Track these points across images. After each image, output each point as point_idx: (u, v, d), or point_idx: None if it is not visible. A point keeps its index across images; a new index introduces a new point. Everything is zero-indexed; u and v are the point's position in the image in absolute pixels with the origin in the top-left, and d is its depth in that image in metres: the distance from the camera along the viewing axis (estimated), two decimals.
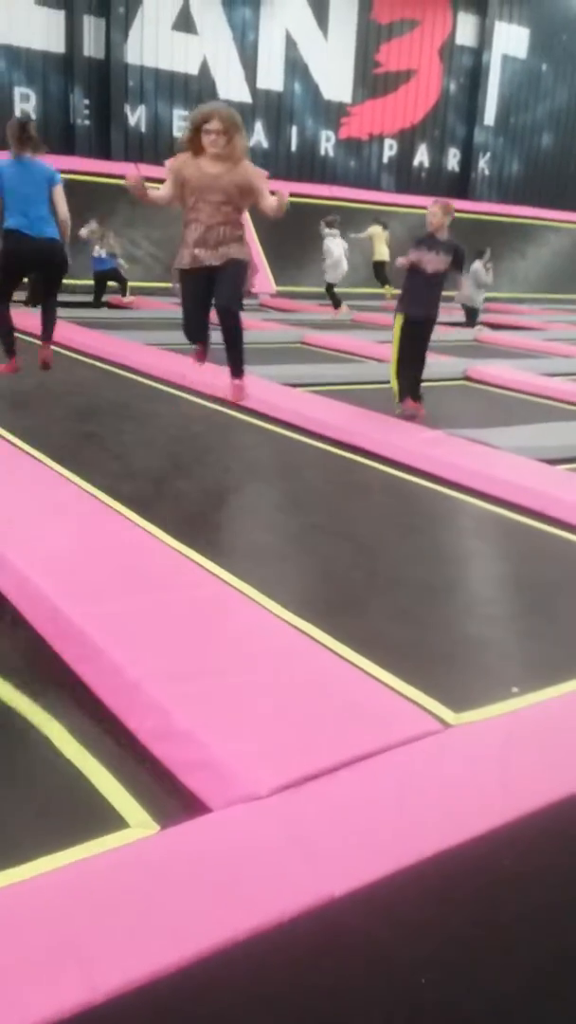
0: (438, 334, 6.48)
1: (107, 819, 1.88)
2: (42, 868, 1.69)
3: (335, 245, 12.19)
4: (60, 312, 10.47)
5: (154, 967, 1.40)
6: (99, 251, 11.86)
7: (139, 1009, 1.37)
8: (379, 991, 1.48)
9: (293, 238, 13.61)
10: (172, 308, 11.92)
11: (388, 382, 6.11)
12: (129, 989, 1.38)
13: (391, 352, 6.03)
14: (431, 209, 5.85)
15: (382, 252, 14.03)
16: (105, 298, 12.47)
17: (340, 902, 1.56)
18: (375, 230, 14.05)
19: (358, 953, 1.53)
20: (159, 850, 1.72)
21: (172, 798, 1.94)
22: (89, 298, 12.05)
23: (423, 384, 6.18)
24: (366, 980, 1.49)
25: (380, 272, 14.19)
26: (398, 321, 5.95)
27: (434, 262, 5.72)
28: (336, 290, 12.58)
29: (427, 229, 5.83)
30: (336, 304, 12.65)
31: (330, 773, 1.90)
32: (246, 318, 11.38)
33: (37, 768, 2.08)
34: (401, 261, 5.91)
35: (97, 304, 12.25)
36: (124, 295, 12.43)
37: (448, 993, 1.49)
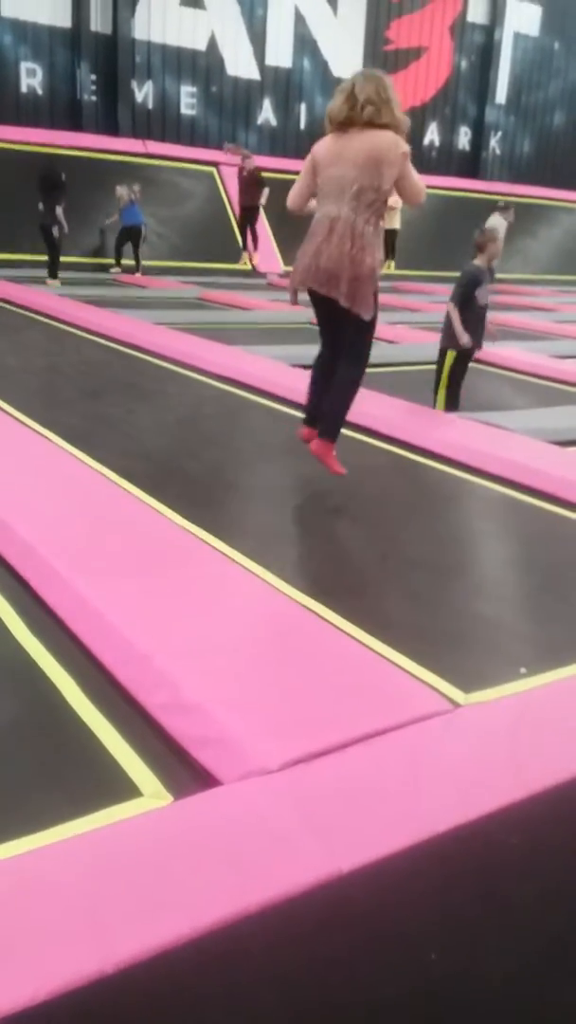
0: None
1: (122, 788, 1.90)
2: (59, 836, 1.71)
3: None
4: (68, 290, 10.50)
5: (166, 938, 1.41)
6: (130, 199, 12.31)
7: (151, 979, 1.38)
8: (387, 966, 1.50)
9: (301, 217, 13.53)
10: (180, 287, 11.94)
11: (398, 364, 6.08)
12: (142, 959, 1.39)
13: (438, 391, 5.64)
14: (498, 242, 5.48)
15: (393, 220, 13.70)
16: (114, 271, 12.50)
17: (349, 877, 1.58)
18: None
19: (366, 928, 1.55)
20: (172, 822, 1.74)
21: (185, 769, 1.96)
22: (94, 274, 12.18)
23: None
24: (374, 955, 1.51)
25: (389, 243, 14.01)
26: (450, 358, 5.42)
27: (486, 293, 5.43)
28: None
29: (488, 260, 5.54)
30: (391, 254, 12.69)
31: (340, 749, 1.91)
32: (254, 297, 11.37)
33: (56, 734, 2.10)
34: (492, 328, 5.50)
35: (119, 262, 12.67)
36: (137, 268, 12.67)
37: (456, 969, 1.50)
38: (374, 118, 3.12)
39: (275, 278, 13.35)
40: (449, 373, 5.55)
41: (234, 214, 14.60)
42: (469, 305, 5.37)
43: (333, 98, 3.25)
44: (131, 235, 12.58)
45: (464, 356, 5.53)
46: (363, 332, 3.35)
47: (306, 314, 9.99)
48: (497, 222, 12.02)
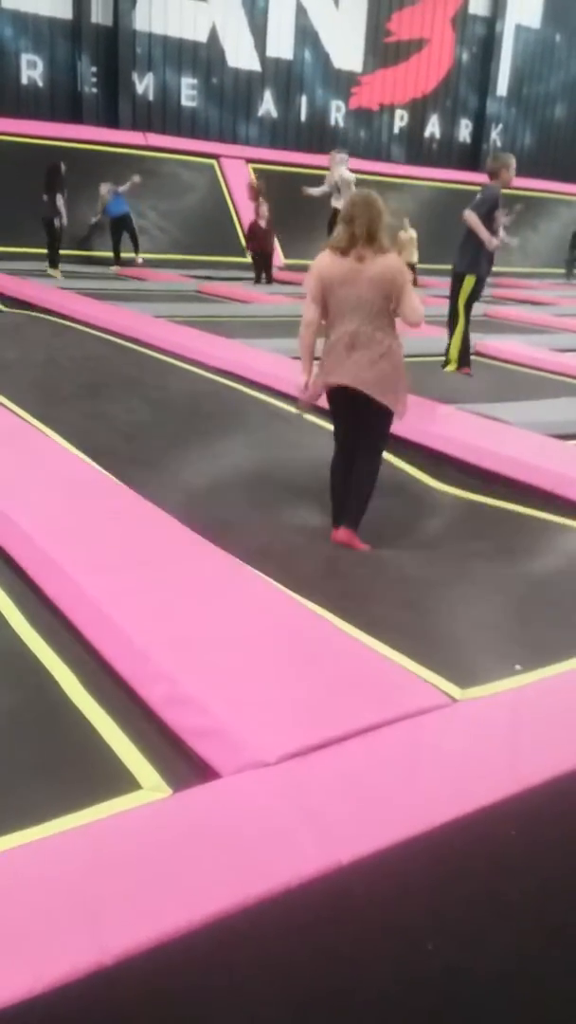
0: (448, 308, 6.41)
1: (121, 780, 1.90)
2: (58, 828, 1.71)
3: (348, 174, 11.63)
4: (69, 283, 10.48)
5: (164, 930, 1.42)
6: (115, 192, 12.27)
7: (149, 971, 1.39)
8: (385, 958, 1.51)
9: (302, 210, 13.47)
10: (180, 280, 11.92)
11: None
12: (139, 951, 1.40)
13: (456, 317, 5.57)
14: (511, 169, 5.47)
15: (412, 254, 13.34)
16: (114, 269, 12.46)
17: (347, 869, 1.58)
18: (406, 236, 13.31)
19: (364, 920, 1.55)
20: (171, 814, 1.75)
21: (183, 762, 1.97)
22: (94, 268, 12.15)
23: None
24: (372, 946, 1.52)
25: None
26: (469, 283, 5.42)
27: (501, 217, 5.51)
28: None
29: (502, 186, 5.54)
30: None
31: (338, 743, 1.92)
32: (254, 290, 11.34)
33: (55, 726, 2.11)
34: (498, 243, 5.50)
35: (118, 257, 12.58)
36: (136, 253, 12.68)
37: (453, 960, 1.51)
38: (371, 235, 3.37)
39: (275, 271, 13.32)
40: (467, 302, 5.47)
41: (235, 209, 14.56)
42: (488, 226, 5.37)
43: (351, 219, 3.39)
44: (121, 225, 12.61)
45: (480, 283, 5.51)
46: (387, 428, 3.56)
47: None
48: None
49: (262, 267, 12.52)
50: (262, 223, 12.11)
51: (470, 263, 5.46)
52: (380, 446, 3.58)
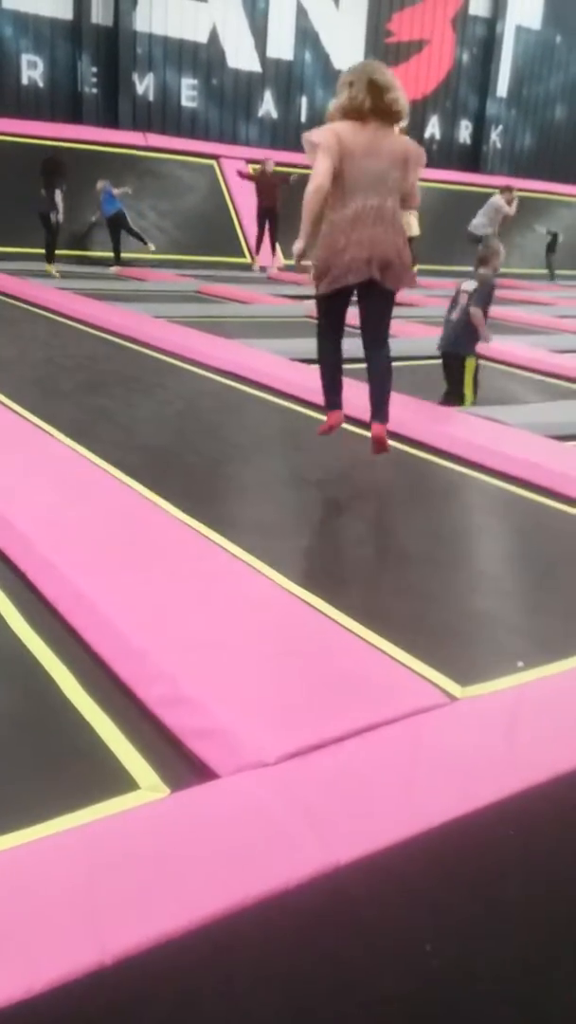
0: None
1: (119, 780, 1.90)
2: (55, 829, 1.71)
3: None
4: (69, 283, 10.48)
5: (163, 930, 1.42)
6: (108, 190, 12.24)
7: (148, 972, 1.39)
8: (384, 959, 1.50)
9: (300, 210, 13.48)
10: (178, 280, 11.92)
11: (396, 359, 6.03)
12: (138, 952, 1.40)
13: (462, 394, 5.64)
14: (500, 256, 5.59)
15: (413, 227, 13.32)
16: (114, 270, 12.46)
17: (346, 870, 1.58)
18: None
19: (363, 921, 1.55)
20: (169, 815, 1.74)
21: (182, 762, 1.96)
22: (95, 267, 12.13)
23: None
24: (371, 947, 1.51)
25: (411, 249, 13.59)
26: (471, 365, 5.47)
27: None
28: None
29: (493, 272, 5.58)
30: None
31: (337, 742, 1.91)
32: (255, 291, 11.36)
33: (53, 726, 2.10)
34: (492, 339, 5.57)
35: (118, 257, 12.56)
36: (145, 243, 12.77)
37: (453, 961, 1.51)
38: (401, 108, 3.23)
39: (275, 272, 13.33)
40: (475, 377, 5.52)
41: (235, 210, 14.57)
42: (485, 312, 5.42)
43: (348, 87, 3.21)
44: (117, 223, 12.58)
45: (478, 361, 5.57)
46: (391, 310, 3.48)
47: (305, 308, 10.00)
48: (498, 202, 12.03)
49: (268, 221, 12.74)
50: (270, 174, 12.50)
51: (472, 345, 5.54)
52: (388, 330, 3.52)
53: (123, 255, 12.77)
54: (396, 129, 3.29)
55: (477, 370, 5.58)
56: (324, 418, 4.23)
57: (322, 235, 3.26)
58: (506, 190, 12.42)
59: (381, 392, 3.40)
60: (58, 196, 10.90)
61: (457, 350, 5.51)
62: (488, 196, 13.13)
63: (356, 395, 4.21)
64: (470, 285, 5.46)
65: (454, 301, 5.53)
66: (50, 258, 11.22)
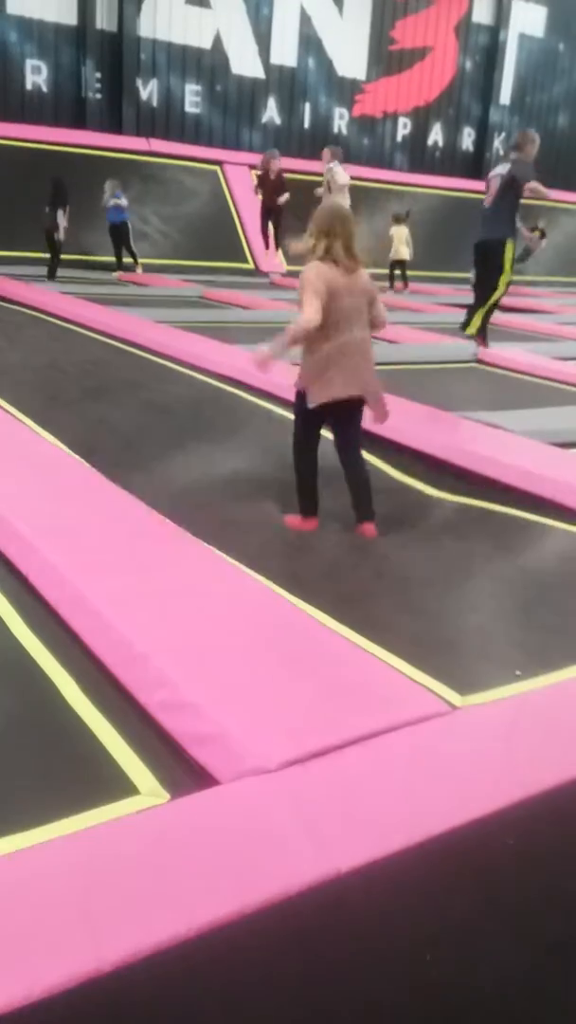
0: (452, 315, 6.43)
1: (119, 786, 1.90)
2: (55, 833, 1.71)
3: (342, 173, 11.56)
4: (72, 287, 10.49)
5: (162, 937, 1.41)
6: (113, 201, 12.17)
7: (146, 979, 1.38)
8: (384, 967, 1.50)
9: (304, 216, 13.51)
10: (181, 285, 11.93)
11: (397, 363, 6.06)
12: (136, 959, 1.39)
13: (491, 286, 5.63)
14: (535, 143, 5.71)
15: (401, 252, 13.06)
16: (116, 275, 12.49)
17: (346, 878, 1.58)
18: (397, 231, 13.10)
19: (362, 929, 1.55)
20: (168, 821, 1.74)
21: (182, 767, 1.96)
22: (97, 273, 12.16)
23: None
24: (370, 955, 1.51)
25: (402, 272, 13.39)
26: (511, 247, 5.57)
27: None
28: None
29: (527, 155, 5.67)
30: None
31: (338, 750, 1.91)
32: (256, 296, 11.36)
33: (53, 731, 2.10)
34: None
35: (120, 263, 12.56)
36: (135, 263, 12.72)
37: (453, 970, 1.50)
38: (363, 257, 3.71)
39: (278, 277, 13.35)
40: (512, 266, 5.64)
41: (238, 215, 14.60)
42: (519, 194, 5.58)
43: (324, 237, 3.63)
44: (120, 234, 12.53)
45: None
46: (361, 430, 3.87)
47: None
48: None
49: (271, 220, 12.77)
50: (271, 175, 12.44)
51: (510, 229, 5.62)
52: (360, 443, 3.87)
53: (124, 261, 12.80)
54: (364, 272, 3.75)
55: (514, 255, 5.66)
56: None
57: (311, 365, 3.65)
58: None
59: (367, 497, 3.74)
60: (60, 216, 10.92)
61: (491, 236, 5.58)
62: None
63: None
64: (503, 168, 5.55)
65: (487, 189, 5.64)
66: (51, 275, 11.23)
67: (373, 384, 3.70)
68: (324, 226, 3.66)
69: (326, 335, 3.56)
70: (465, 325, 6.42)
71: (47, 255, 11.30)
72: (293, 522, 3.73)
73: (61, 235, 11.08)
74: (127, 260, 12.78)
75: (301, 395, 3.70)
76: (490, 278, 5.64)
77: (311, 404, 3.65)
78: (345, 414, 3.70)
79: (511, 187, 5.79)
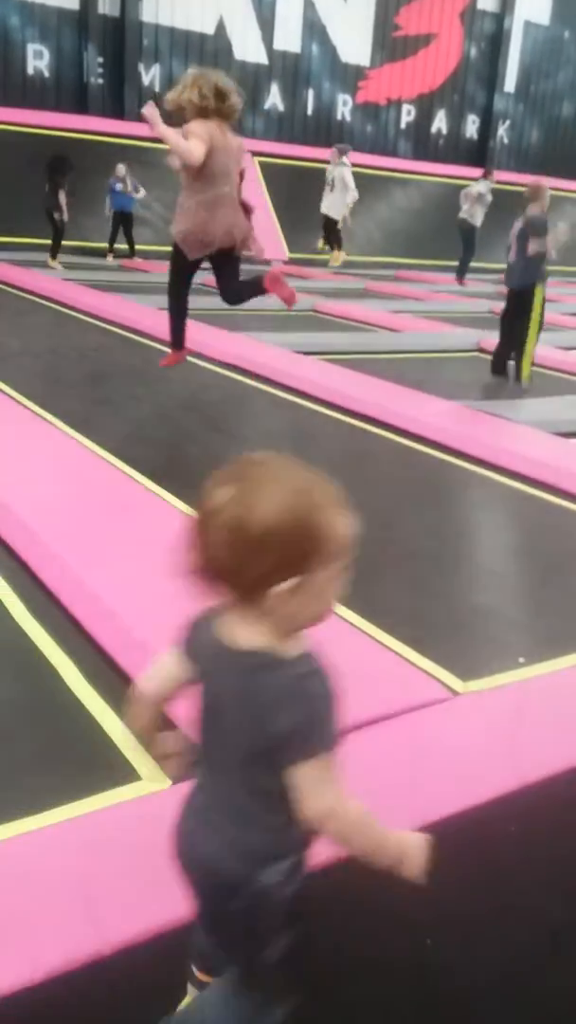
0: (454, 304, 6.42)
1: (120, 771, 1.90)
2: (57, 818, 1.71)
3: (349, 175, 11.51)
4: (72, 274, 10.46)
5: (163, 920, 1.42)
6: (123, 186, 12.10)
7: (147, 961, 1.39)
8: (384, 952, 1.50)
9: (306, 204, 13.44)
10: None
11: (400, 352, 6.05)
12: (138, 942, 1.40)
13: (526, 330, 5.77)
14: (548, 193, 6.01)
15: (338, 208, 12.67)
16: (109, 259, 12.43)
17: (347, 862, 1.58)
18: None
19: (364, 913, 1.55)
20: (170, 805, 1.73)
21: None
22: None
23: None
24: (371, 940, 1.51)
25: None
26: (540, 294, 5.74)
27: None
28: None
29: (542, 208, 5.87)
30: (339, 245, 12.21)
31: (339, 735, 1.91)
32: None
33: (55, 717, 2.11)
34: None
35: (132, 249, 12.54)
36: (132, 254, 12.64)
37: (452, 955, 1.51)
38: (237, 111, 4.30)
39: (279, 265, 13.30)
40: (542, 310, 5.79)
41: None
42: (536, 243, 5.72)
43: (195, 88, 4.20)
44: (121, 220, 12.49)
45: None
46: (239, 266, 4.56)
47: (310, 301, 9.99)
48: (483, 187, 12.03)
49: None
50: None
51: (538, 274, 5.77)
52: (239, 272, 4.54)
53: (117, 246, 12.72)
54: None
55: (544, 303, 5.75)
56: (328, 413, 4.29)
57: (188, 211, 4.29)
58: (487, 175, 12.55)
59: (252, 289, 4.49)
60: (61, 196, 10.87)
61: (521, 282, 5.72)
62: (494, 192, 13.07)
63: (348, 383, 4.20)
64: (519, 223, 5.71)
65: (510, 246, 5.89)
66: (54, 254, 11.21)
67: (242, 228, 4.32)
68: (208, 89, 4.18)
69: (204, 185, 4.18)
70: (499, 369, 6.39)
71: (49, 239, 11.26)
72: (168, 360, 4.64)
73: (65, 216, 11.00)
74: (120, 246, 12.68)
75: (175, 245, 4.35)
76: (522, 324, 5.77)
77: (191, 257, 4.32)
78: (223, 257, 4.37)
79: (526, 239, 5.92)
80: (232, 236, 4.33)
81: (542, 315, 5.88)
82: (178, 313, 4.65)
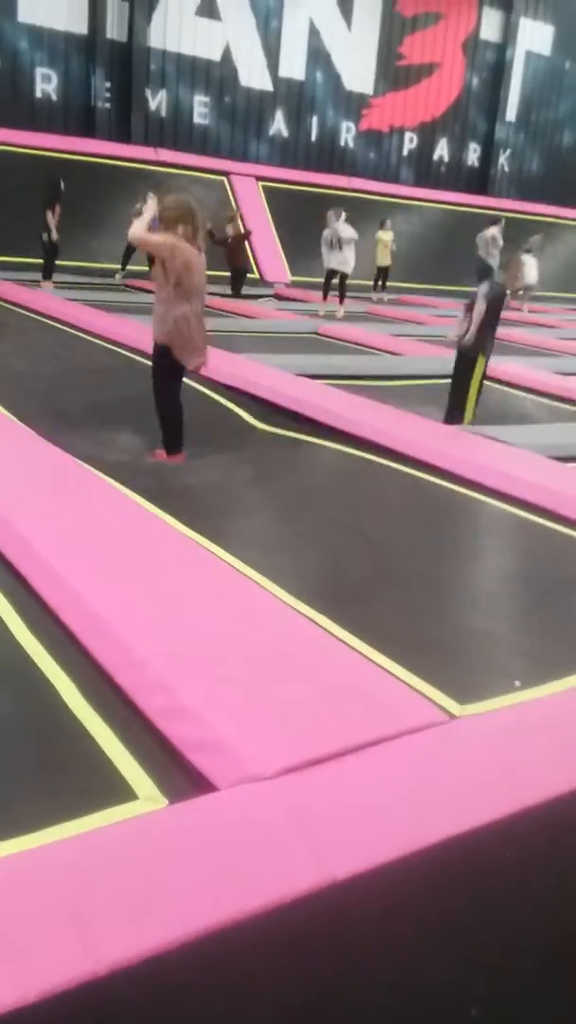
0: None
1: (117, 790, 1.90)
2: (52, 837, 1.71)
3: (350, 229, 11.70)
4: (75, 294, 10.50)
5: (158, 942, 1.41)
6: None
7: (140, 982, 1.38)
8: (378, 974, 1.50)
9: (309, 228, 13.55)
10: None
11: (402, 377, 6.09)
12: (132, 963, 1.39)
13: (469, 391, 5.84)
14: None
15: (387, 257, 13.57)
16: (118, 276, 12.47)
17: (342, 885, 1.58)
18: (382, 235, 13.55)
19: (358, 935, 1.55)
20: (166, 826, 1.74)
21: (181, 773, 1.96)
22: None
23: None
24: (365, 962, 1.51)
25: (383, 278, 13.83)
26: (481, 363, 5.80)
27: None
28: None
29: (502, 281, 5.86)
30: (342, 299, 12.42)
31: (336, 758, 1.91)
32: (260, 306, 11.36)
33: (51, 734, 2.11)
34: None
35: (124, 267, 12.44)
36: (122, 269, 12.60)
37: (448, 978, 1.50)
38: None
39: (282, 288, 13.40)
40: (483, 378, 5.76)
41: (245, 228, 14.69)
42: (493, 316, 5.71)
43: (185, 223, 4.28)
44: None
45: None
46: None
47: (312, 324, 10.06)
48: (495, 231, 12.24)
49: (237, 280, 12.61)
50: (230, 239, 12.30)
51: (482, 344, 5.79)
52: None
53: (129, 267, 12.78)
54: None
55: (484, 375, 5.76)
56: (322, 443, 4.29)
57: (177, 327, 4.34)
58: (497, 222, 12.83)
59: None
60: (49, 217, 10.93)
61: (466, 349, 5.76)
62: (495, 219, 13.20)
63: (349, 407, 4.23)
64: (479, 291, 5.75)
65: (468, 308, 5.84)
66: (46, 275, 11.22)
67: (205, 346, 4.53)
68: (185, 214, 4.31)
69: (185, 299, 4.29)
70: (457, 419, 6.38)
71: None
72: (175, 459, 4.45)
73: (54, 235, 11.00)
74: (131, 268, 12.75)
75: (167, 352, 4.37)
76: (459, 395, 5.80)
77: (189, 367, 4.45)
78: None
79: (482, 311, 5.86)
80: (205, 355, 4.54)
81: (481, 383, 5.88)
82: (179, 420, 4.51)
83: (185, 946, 1.42)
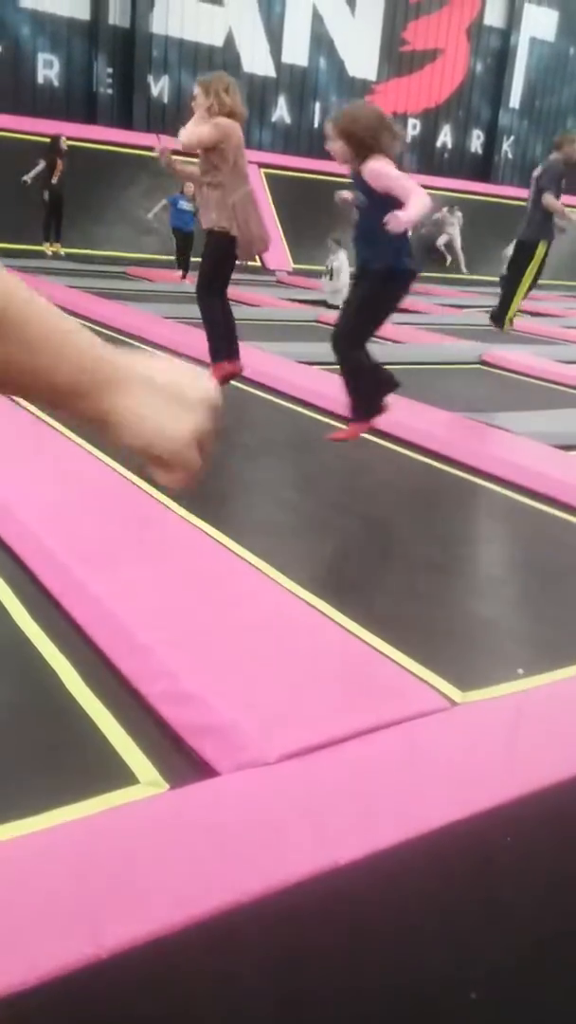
0: (456, 317, 6.44)
1: (118, 775, 1.90)
2: (53, 821, 1.71)
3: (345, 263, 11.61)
4: (77, 281, 10.49)
5: (160, 926, 1.41)
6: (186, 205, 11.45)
7: (144, 967, 1.38)
8: (380, 959, 1.50)
9: (311, 215, 13.51)
10: (190, 281, 11.91)
11: (403, 363, 6.07)
12: (135, 946, 1.39)
13: (518, 283, 5.80)
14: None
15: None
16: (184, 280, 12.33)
17: (344, 870, 1.58)
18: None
19: (360, 921, 1.55)
20: (167, 810, 1.74)
21: (182, 758, 1.96)
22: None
23: None
24: (367, 947, 1.51)
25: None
26: (541, 250, 5.80)
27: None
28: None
29: (564, 159, 5.78)
30: None
31: (338, 743, 1.91)
32: (263, 294, 11.37)
33: (53, 719, 2.11)
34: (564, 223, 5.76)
35: (184, 274, 11.82)
36: (184, 274, 11.99)
37: (449, 963, 1.51)
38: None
39: (284, 275, 13.36)
40: (539, 266, 5.74)
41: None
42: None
43: (226, 93, 4.33)
44: (179, 239, 11.96)
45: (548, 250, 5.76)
46: None
47: (314, 311, 10.03)
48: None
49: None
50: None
51: (541, 230, 5.74)
52: None
53: (129, 255, 12.67)
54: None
55: (544, 260, 5.74)
56: (331, 422, 4.28)
57: (230, 210, 4.21)
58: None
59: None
60: (39, 166, 10.68)
61: (529, 236, 5.73)
62: (497, 206, 13.15)
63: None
64: (539, 171, 5.68)
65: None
66: (46, 235, 11.00)
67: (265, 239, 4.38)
68: (223, 83, 4.31)
69: (237, 181, 4.21)
70: (503, 322, 6.45)
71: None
72: (225, 371, 4.30)
73: (28, 179, 10.71)
74: (141, 255, 12.51)
75: (226, 238, 4.21)
76: (516, 276, 5.76)
77: (243, 259, 4.30)
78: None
79: (540, 191, 5.88)
80: (264, 243, 4.34)
81: (539, 272, 5.86)
82: (229, 314, 4.46)
83: (188, 929, 1.42)
